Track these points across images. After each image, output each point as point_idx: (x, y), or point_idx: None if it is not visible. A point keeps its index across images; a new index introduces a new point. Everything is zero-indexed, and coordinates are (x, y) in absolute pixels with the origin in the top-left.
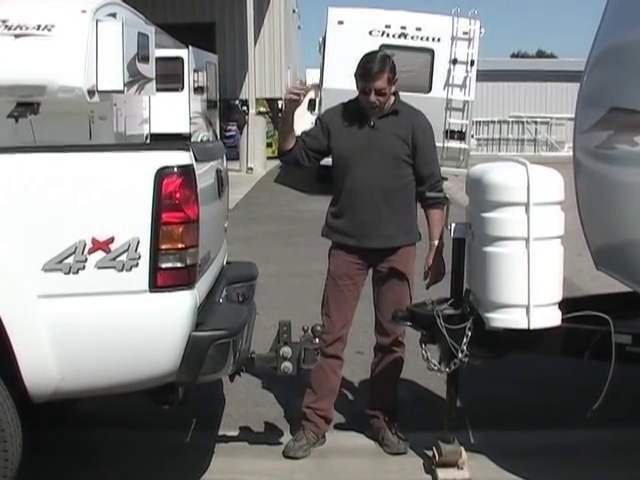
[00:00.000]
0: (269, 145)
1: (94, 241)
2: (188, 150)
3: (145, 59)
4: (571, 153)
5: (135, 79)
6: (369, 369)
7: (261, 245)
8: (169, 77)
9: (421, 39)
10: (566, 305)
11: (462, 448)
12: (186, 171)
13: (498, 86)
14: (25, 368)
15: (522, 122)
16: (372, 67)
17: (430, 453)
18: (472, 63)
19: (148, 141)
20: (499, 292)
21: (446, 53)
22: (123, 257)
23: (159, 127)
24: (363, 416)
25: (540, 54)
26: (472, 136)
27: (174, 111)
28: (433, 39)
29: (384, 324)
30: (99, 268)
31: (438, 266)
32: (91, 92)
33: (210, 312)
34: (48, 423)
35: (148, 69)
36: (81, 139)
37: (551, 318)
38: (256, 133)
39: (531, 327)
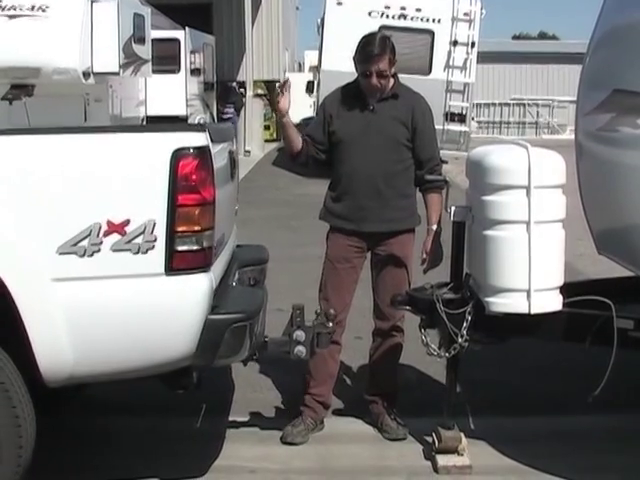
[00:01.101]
0: (267, 128)
1: (109, 223)
2: (204, 131)
3: (141, 40)
4: (573, 136)
5: (131, 61)
6: (368, 354)
7: (259, 229)
8: (165, 59)
9: (421, 20)
10: (567, 290)
11: (462, 434)
12: (202, 152)
13: (499, 68)
14: (40, 353)
15: (523, 105)
16: (373, 49)
17: (430, 439)
18: (473, 44)
19: (144, 123)
20: (499, 276)
21: (446, 34)
22: (139, 240)
23: (155, 109)
24: (362, 402)
25: (542, 35)
26: (472, 119)
27: (171, 93)
28: (433, 20)
29: (383, 308)
30: (114, 251)
31: (436, 251)
32: (86, 74)
33: (225, 295)
34: (52, 410)
35: (144, 50)
36: (76, 121)
37: (552, 303)
38: (253, 115)
39: (532, 312)
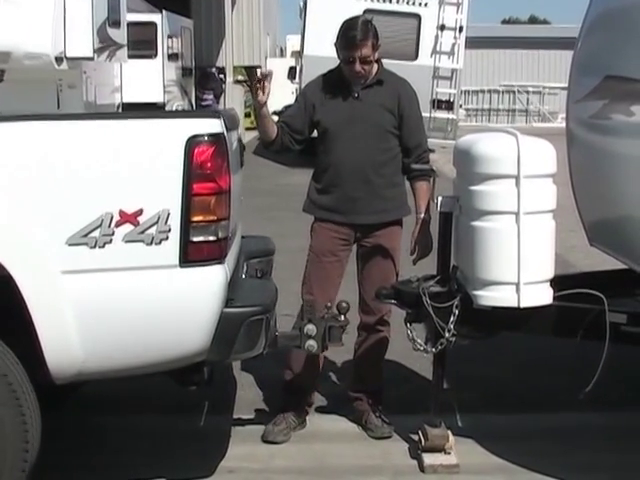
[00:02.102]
0: (247, 115)
1: (122, 213)
2: (219, 117)
3: (116, 24)
4: (564, 124)
5: (106, 45)
6: (352, 349)
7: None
8: (142, 43)
9: (407, 3)
10: (558, 283)
11: (449, 432)
12: (218, 139)
13: (488, 53)
14: (48, 348)
15: (513, 92)
16: (355, 35)
17: (416, 437)
18: (461, 29)
19: (120, 110)
20: (488, 269)
21: (433, 18)
22: (152, 230)
23: (131, 96)
24: (346, 399)
25: (533, 20)
26: (460, 106)
27: (147, 79)
28: (420, 3)
29: (369, 302)
30: (127, 242)
31: (425, 240)
32: (59, 59)
33: (238, 288)
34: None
35: (119, 35)
36: (48, 108)
37: (542, 296)
38: (234, 102)
39: (521, 305)
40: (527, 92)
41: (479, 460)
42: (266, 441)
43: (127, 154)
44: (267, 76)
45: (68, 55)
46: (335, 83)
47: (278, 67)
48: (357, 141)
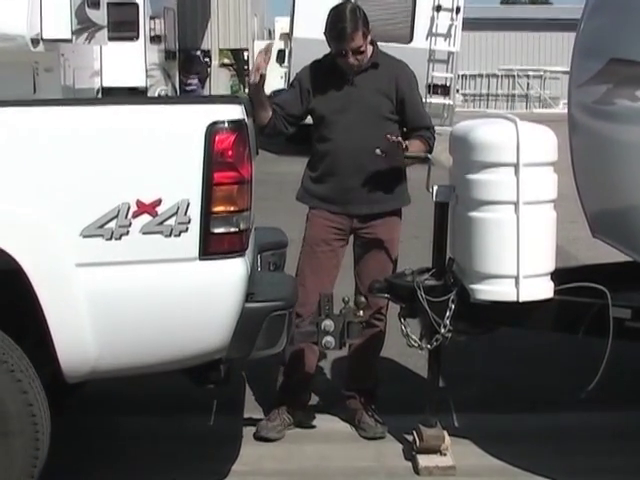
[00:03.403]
0: None
1: (139, 204)
2: (240, 104)
3: (95, 4)
4: (566, 110)
5: (84, 26)
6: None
7: None
8: (123, 25)
9: None
10: (559, 276)
11: (445, 432)
12: (239, 126)
13: (487, 36)
14: (60, 345)
15: (513, 76)
16: (345, 27)
17: (410, 438)
18: (458, 10)
19: (100, 95)
20: (485, 261)
21: None
22: (171, 221)
23: (112, 80)
24: (337, 397)
25: (533, 0)
26: (457, 91)
27: (128, 63)
28: None
29: (366, 296)
30: (144, 233)
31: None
32: (35, 41)
33: (258, 282)
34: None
35: (99, 15)
36: (24, 93)
37: (542, 290)
38: (219, 87)
39: (520, 299)
40: (527, 76)
41: (476, 462)
42: (259, 437)
43: (145, 141)
44: (269, 47)
45: (45, 37)
46: (330, 68)
47: None
48: (352, 128)
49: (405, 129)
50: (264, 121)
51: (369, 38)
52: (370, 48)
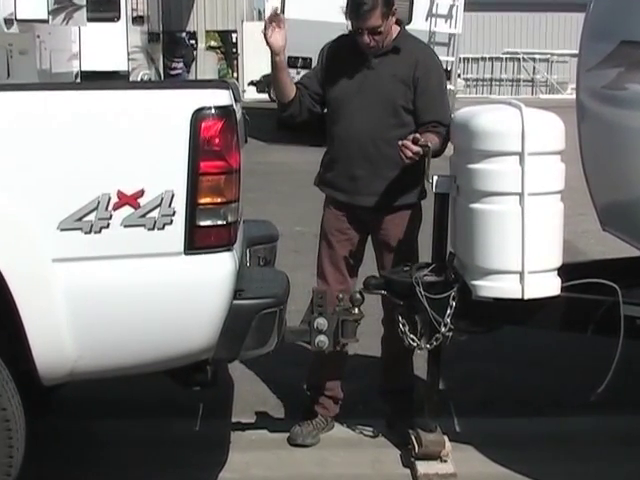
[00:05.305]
0: None
1: (120, 195)
2: (228, 89)
3: None
4: (574, 95)
5: (62, 6)
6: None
7: None
8: (102, 4)
9: None
10: (567, 272)
11: (445, 438)
12: (227, 113)
13: (490, 17)
14: (36, 345)
15: (518, 59)
16: (362, 3)
17: (409, 443)
18: None
19: (78, 80)
20: (488, 256)
21: None
22: (154, 213)
23: (91, 64)
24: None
25: None
26: (459, 76)
27: (109, 45)
28: None
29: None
30: (126, 226)
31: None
32: (8, 21)
33: (247, 278)
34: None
35: None
36: None
37: (549, 286)
38: (206, 71)
39: (525, 297)
40: (533, 60)
41: (478, 468)
42: (294, 444)
43: (126, 129)
44: (277, 16)
45: (19, 17)
46: (351, 47)
47: (256, 33)
48: (363, 114)
49: (416, 121)
50: (287, 99)
51: (392, 19)
52: (395, 29)
